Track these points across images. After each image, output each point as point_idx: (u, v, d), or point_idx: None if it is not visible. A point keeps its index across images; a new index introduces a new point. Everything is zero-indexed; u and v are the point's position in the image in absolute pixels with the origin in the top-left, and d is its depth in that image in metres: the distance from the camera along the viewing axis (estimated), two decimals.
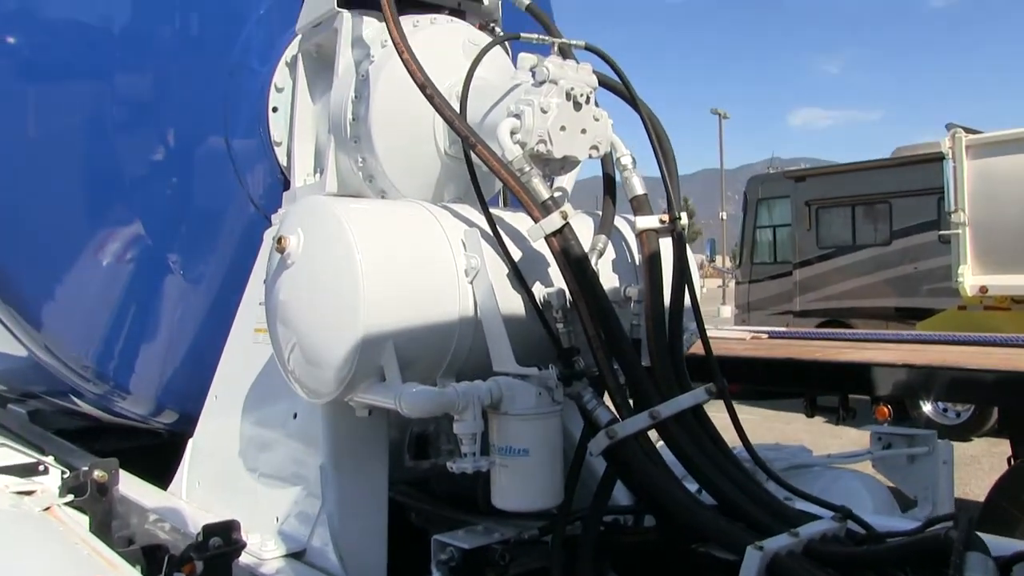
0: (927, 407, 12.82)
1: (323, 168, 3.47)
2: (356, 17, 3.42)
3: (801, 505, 2.87)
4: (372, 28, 3.41)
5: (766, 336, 8.14)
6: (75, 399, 4.37)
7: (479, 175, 3.01)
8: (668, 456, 2.78)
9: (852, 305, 17.30)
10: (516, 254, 2.86)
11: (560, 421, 2.76)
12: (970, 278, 12.71)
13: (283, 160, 3.92)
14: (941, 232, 14.03)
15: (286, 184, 3.86)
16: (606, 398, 2.85)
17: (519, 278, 2.83)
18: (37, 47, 3.61)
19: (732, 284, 24.02)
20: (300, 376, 2.89)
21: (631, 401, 2.82)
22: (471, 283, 2.77)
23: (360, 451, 3.09)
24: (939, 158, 13.25)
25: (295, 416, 3.23)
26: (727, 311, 27.88)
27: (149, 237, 3.87)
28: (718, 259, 37.18)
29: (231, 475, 3.55)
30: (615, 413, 2.77)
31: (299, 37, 3.76)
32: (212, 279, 4.03)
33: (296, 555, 3.07)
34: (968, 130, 12.99)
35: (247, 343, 3.57)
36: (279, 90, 3.90)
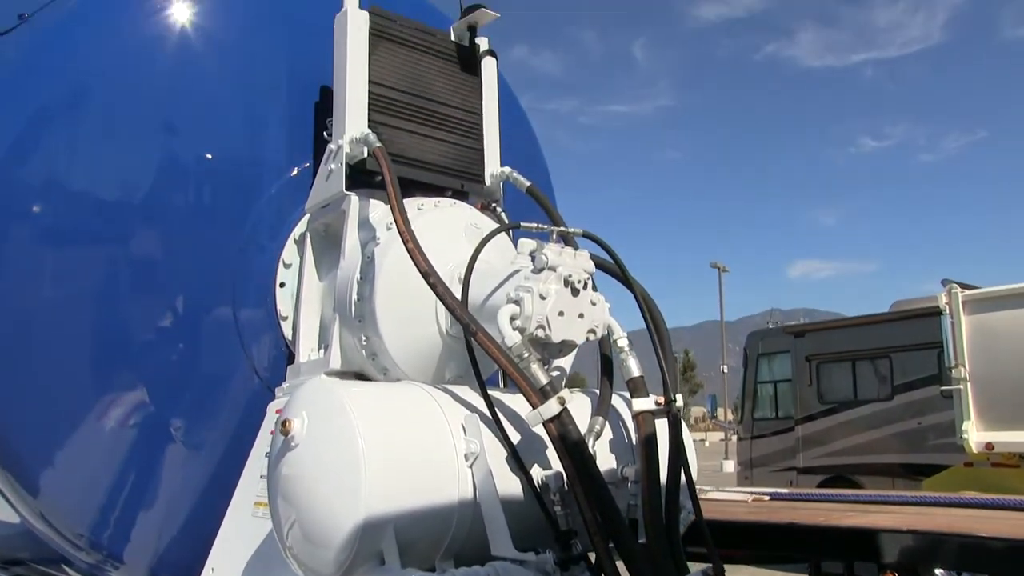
0: (939, 570, 12.45)
1: (328, 344, 3.56)
2: (363, 200, 3.57)
3: None
4: (378, 211, 3.55)
5: (768, 498, 8.01)
6: (65, 568, 4.29)
7: (479, 354, 3.08)
8: None
9: (857, 461, 17.01)
10: (515, 437, 2.91)
11: None
12: (975, 435, 12.52)
13: (288, 334, 4.01)
14: (943, 387, 13.93)
15: (291, 358, 3.95)
16: None
17: (517, 462, 2.88)
18: (58, 215, 3.70)
19: (734, 439, 23.74)
20: (299, 554, 2.89)
21: None
22: (471, 467, 2.82)
23: None
24: (937, 312, 13.28)
25: None
26: (730, 466, 27.50)
27: (152, 403, 3.88)
28: (720, 412, 36.90)
29: None
30: None
31: (308, 216, 3.91)
32: (213, 448, 4.02)
33: None
34: (964, 285, 13.08)
35: (247, 516, 3.56)
36: (287, 266, 4.02)
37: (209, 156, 4.01)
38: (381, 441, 2.67)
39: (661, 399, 3.12)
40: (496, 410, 2.90)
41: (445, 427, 2.85)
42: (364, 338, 3.39)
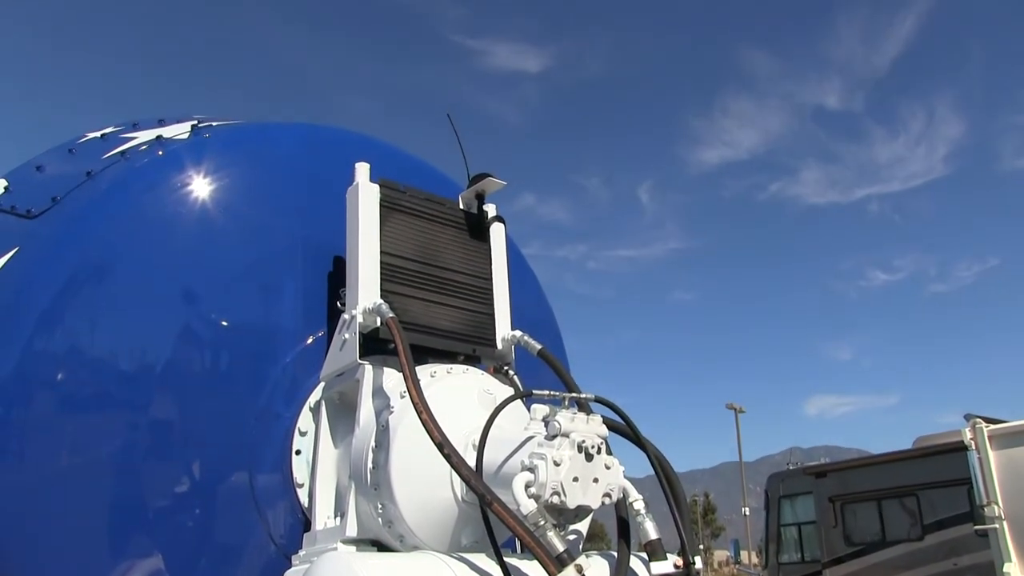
0: None
1: (343, 512, 3.55)
2: (377, 368, 3.64)
3: None
4: (392, 379, 3.61)
5: None
6: None
7: (495, 521, 3.07)
8: None
9: None
10: None
11: None
12: None
13: (304, 501, 4.00)
14: (977, 527, 13.45)
15: (307, 524, 3.92)
16: None
17: None
18: (79, 382, 3.75)
19: None
20: None
21: None
22: None
23: None
24: (963, 448, 12.95)
25: None
26: None
27: (168, 570, 3.83)
28: (743, 556, 35.76)
29: None
30: None
31: (322, 384, 3.96)
32: None
33: None
34: (988, 420, 12.78)
35: None
36: (302, 434, 4.05)
37: (225, 323, 4.09)
38: None
39: (680, 561, 3.08)
40: None
41: None
42: (380, 506, 3.39)
